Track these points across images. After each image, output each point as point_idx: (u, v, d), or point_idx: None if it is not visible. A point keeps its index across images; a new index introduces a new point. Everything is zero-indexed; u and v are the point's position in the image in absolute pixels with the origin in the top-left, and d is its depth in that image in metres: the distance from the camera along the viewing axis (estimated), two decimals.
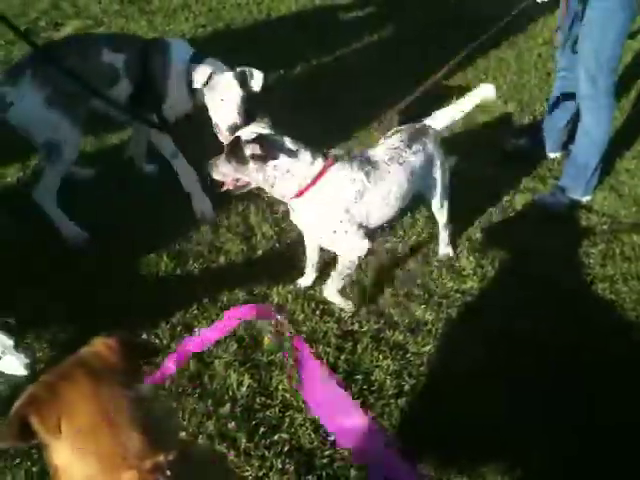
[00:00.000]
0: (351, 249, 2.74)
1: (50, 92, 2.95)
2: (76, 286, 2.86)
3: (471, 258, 3.23)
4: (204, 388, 2.50)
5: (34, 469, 2.19)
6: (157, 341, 2.67)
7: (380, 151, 2.81)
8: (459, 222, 3.46)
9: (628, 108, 4.94)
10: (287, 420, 2.40)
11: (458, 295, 3.04)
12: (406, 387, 2.56)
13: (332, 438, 2.31)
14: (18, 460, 2.22)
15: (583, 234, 3.52)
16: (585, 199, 3.77)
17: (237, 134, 2.60)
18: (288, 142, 2.58)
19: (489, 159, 4.05)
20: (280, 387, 2.52)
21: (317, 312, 2.88)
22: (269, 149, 2.51)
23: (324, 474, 2.24)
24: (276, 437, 2.33)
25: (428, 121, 3.00)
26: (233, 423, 2.36)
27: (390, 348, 2.73)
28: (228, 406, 2.42)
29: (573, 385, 2.62)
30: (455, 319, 2.91)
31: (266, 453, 2.27)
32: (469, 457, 2.34)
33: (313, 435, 2.34)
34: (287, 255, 3.19)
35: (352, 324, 2.84)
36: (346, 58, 5.33)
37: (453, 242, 3.29)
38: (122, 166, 3.73)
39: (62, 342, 2.66)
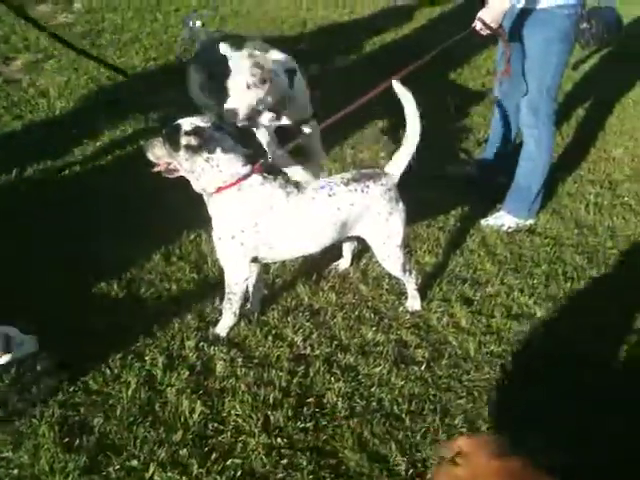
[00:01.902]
0: (234, 271, 2.76)
1: None
2: (25, 315, 2.82)
3: (419, 281, 3.29)
4: (155, 416, 2.49)
5: None
6: (108, 370, 2.64)
7: (315, 182, 2.84)
8: (408, 245, 3.54)
9: (570, 134, 5.15)
10: (240, 445, 2.40)
11: (408, 317, 3.10)
12: (357, 408, 2.59)
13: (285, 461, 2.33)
14: None
15: (527, 255, 3.63)
16: (529, 222, 3.90)
17: (177, 122, 2.63)
18: (227, 140, 2.64)
19: (436, 185, 4.16)
20: (233, 412, 2.52)
21: (269, 337, 2.89)
22: (205, 142, 2.56)
23: None
24: (229, 462, 2.32)
25: (387, 168, 2.90)
26: (185, 450, 2.35)
27: (342, 370, 2.76)
28: (180, 433, 2.41)
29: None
30: (405, 340, 2.96)
31: (218, 478, 2.27)
32: (418, 475, 2.37)
33: (265, 459, 2.34)
34: None
35: (304, 348, 2.87)
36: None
37: (422, 294, 3.21)
38: (77, 192, 3.72)
39: None
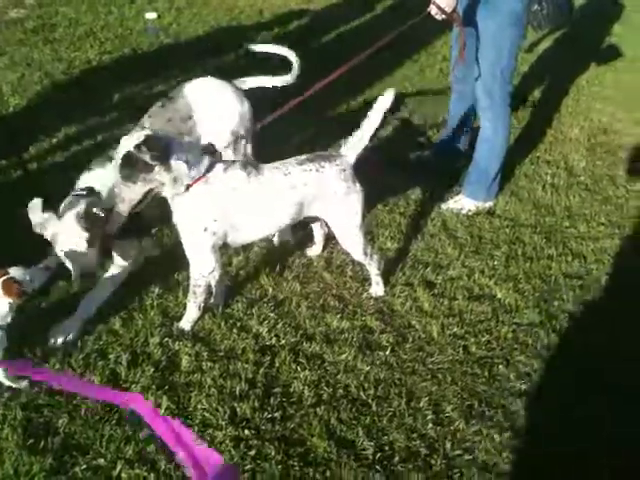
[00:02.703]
0: (201, 263, 2.77)
1: None
2: None
3: (382, 266, 3.31)
4: (121, 414, 2.48)
5: None
6: (71, 370, 2.62)
7: (271, 164, 2.85)
8: (370, 231, 3.57)
9: (525, 116, 5.22)
10: (207, 438, 2.40)
11: (372, 302, 3.12)
12: (324, 396, 2.61)
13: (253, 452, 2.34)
14: None
15: (487, 237, 3.68)
16: (488, 204, 3.95)
17: (122, 152, 2.55)
18: (174, 141, 2.64)
19: (396, 171, 4.18)
20: (199, 407, 2.51)
21: (234, 329, 2.89)
22: (166, 146, 2.54)
23: None
24: None
25: (343, 150, 2.92)
26: (152, 446, 2.34)
27: (307, 359, 2.77)
28: (146, 429, 2.40)
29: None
30: (370, 326, 2.99)
31: (187, 473, 2.27)
32: (384, 458, 2.40)
33: (234, 451, 2.35)
34: None
35: (270, 339, 2.88)
36: None
37: (385, 280, 3.23)
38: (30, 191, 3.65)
39: None
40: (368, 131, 2.91)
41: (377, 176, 2.98)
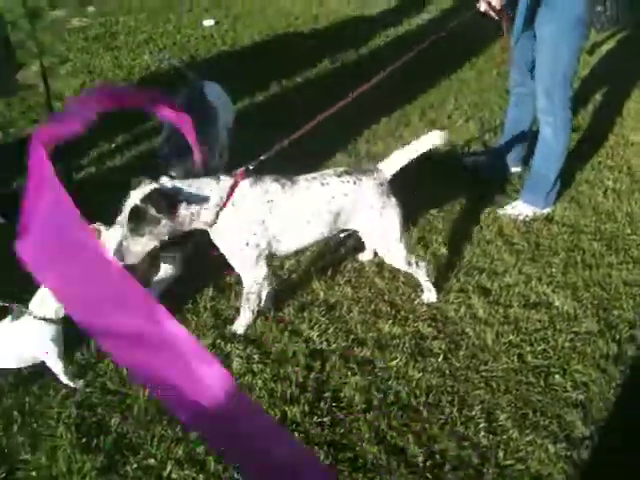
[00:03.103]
0: (252, 273, 2.78)
1: None
2: None
3: (436, 273, 3.27)
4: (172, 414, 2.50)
5: None
6: (124, 370, 2.66)
7: (307, 174, 2.83)
8: (424, 237, 3.54)
9: (587, 120, 5.07)
10: None
11: (424, 309, 3.07)
12: (375, 402, 2.58)
13: None
14: None
15: (545, 244, 3.58)
16: (546, 210, 3.85)
17: (129, 206, 2.56)
18: (180, 182, 2.63)
19: (452, 175, 4.13)
20: None
21: (285, 333, 2.89)
22: (173, 197, 2.55)
23: None
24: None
25: (381, 165, 2.93)
26: (202, 447, 2.35)
27: (358, 364, 2.74)
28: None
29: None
30: (422, 332, 2.94)
31: (236, 475, 2.27)
32: (435, 466, 2.35)
33: None
34: None
35: (320, 343, 2.86)
36: (307, 88, 5.40)
37: (438, 286, 3.19)
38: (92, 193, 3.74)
39: None
40: (408, 156, 2.91)
41: None
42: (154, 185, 2.59)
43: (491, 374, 2.75)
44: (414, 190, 3.87)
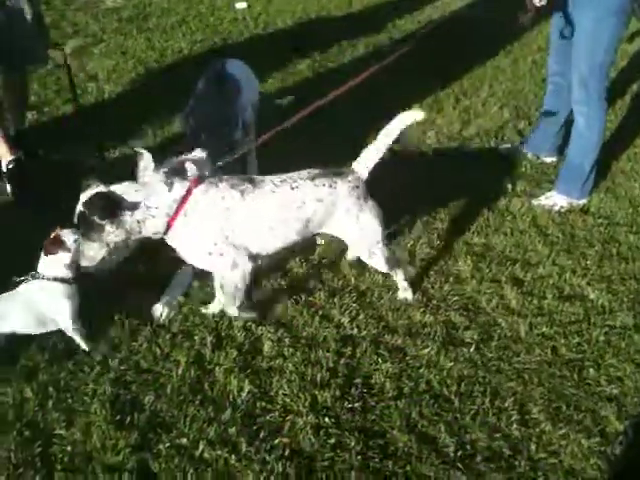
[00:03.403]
0: (231, 269, 2.67)
1: None
2: None
3: (469, 262, 3.25)
4: (204, 395, 2.52)
5: (37, 477, 2.21)
6: (158, 349, 2.68)
7: (275, 176, 2.70)
8: (457, 225, 3.50)
9: (624, 110, 4.98)
10: (288, 424, 2.40)
11: (456, 298, 3.05)
12: (405, 389, 2.57)
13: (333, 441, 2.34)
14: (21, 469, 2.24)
15: (580, 236, 3.53)
16: (581, 201, 3.79)
17: (77, 211, 2.53)
18: (129, 184, 2.54)
19: (486, 164, 4.09)
20: (280, 392, 2.52)
21: (316, 318, 2.89)
22: (115, 203, 2.47)
23: (324, 477, 2.24)
24: (277, 441, 2.34)
25: (355, 165, 2.79)
26: (234, 428, 2.37)
27: (389, 351, 2.74)
28: (229, 412, 2.43)
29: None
30: (454, 321, 2.92)
31: (267, 457, 2.28)
32: (466, 457, 2.35)
33: (314, 439, 2.35)
34: (286, 260, 3.21)
35: (351, 329, 2.86)
36: (340, 72, 5.36)
37: (471, 275, 3.19)
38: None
39: None
40: (383, 146, 2.79)
41: None
42: (99, 189, 2.51)
43: (524, 366, 2.72)
44: (447, 177, 3.88)
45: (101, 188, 2.52)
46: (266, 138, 2.99)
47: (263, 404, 2.48)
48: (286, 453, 2.30)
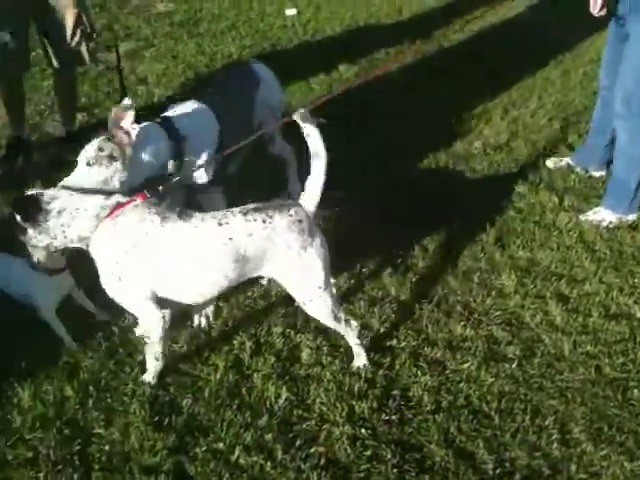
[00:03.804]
0: (139, 311, 2.47)
1: None
2: None
3: (513, 276, 3.19)
4: (242, 400, 2.53)
5: (75, 475, 2.25)
6: (197, 352, 2.70)
7: (211, 212, 2.46)
8: (501, 238, 3.45)
9: None
10: (324, 433, 2.40)
11: (499, 313, 3.00)
12: (444, 403, 2.54)
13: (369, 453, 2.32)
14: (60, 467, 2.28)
15: (628, 253, 3.44)
16: (630, 217, 3.70)
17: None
18: (65, 192, 2.42)
19: (533, 177, 4.02)
20: (317, 401, 2.52)
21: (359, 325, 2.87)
22: (34, 205, 2.35)
23: None
24: (312, 450, 2.33)
25: (302, 199, 2.47)
26: (270, 435, 2.37)
27: (428, 364, 2.71)
28: (265, 418, 2.43)
29: None
30: (496, 336, 2.88)
31: (302, 465, 2.27)
32: (504, 474, 2.30)
33: (350, 449, 2.33)
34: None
35: (390, 340, 2.84)
36: (386, 81, 5.34)
37: (515, 290, 3.13)
38: None
39: None
40: (322, 176, 2.46)
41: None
42: (32, 191, 2.41)
43: (566, 384, 2.67)
44: (493, 189, 3.84)
45: (35, 190, 2.43)
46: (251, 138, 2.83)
47: (300, 412, 2.48)
48: (322, 462, 2.29)
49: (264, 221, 2.36)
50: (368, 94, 4.84)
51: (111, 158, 2.59)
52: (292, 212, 2.40)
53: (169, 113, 2.95)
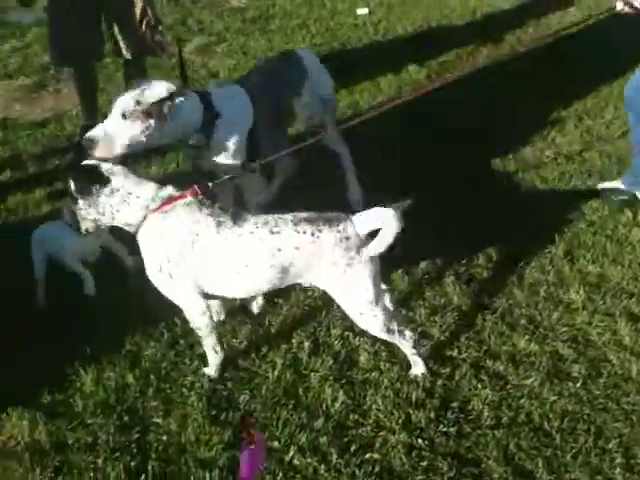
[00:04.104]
0: (185, 303, 2.50)
1: None
2: None
3: (581, 292, 3.08)
4: (298, 400, 2.52)
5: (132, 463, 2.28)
6: (256, 349, 2.71)
7: (263, 216, 2.44)
8: (571, 252, 3.36)
9: None
10: (379, 440, 2.37)
11: (565, 329, 2.91)
12: (504, 419, 2.48)
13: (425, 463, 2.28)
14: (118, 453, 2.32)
15: None
16: None
17: None
18: (122, 171, 2.44)
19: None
20: (374, 407, 2.49)
21: (416, 335, 2.83)
22: (93, 179, 2.39)
23: None
24: (367, 456, 2.31)
25: (355, 218, 2.41)
26: (325, 438, 2.36)
27: (489, 377, 2.64)
28: (321, 420, 2.43)
29: None
30: (561, 353, 2.79)
31: (357, 471, 2.26)
32: None
33: (405, 458, 2.30)
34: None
35: (451, 350, 2.78)
36: (457, 84, 5.24)
37: (583, 305, 3.01)
38: None
39: None
40: (378, 223, 2.37)
41: None
42: (88, 162, 2.49)
43: (632, 407, 2.56)
44: (563, 200, 3.72)
45: (95, 162, 2.49)
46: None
47: (356, 417, 2.46)
48: (376, 470, 2.27)
49: (312, 234, 2.35)
50: (437, 95, 4.77)
51: (147, 115, 2.60)
52: (341, 228, 2.37)
53: (209, 89, 2.98)
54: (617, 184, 3.86)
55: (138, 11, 3.83)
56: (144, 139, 2.65)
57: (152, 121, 2.61)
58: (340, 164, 3.65)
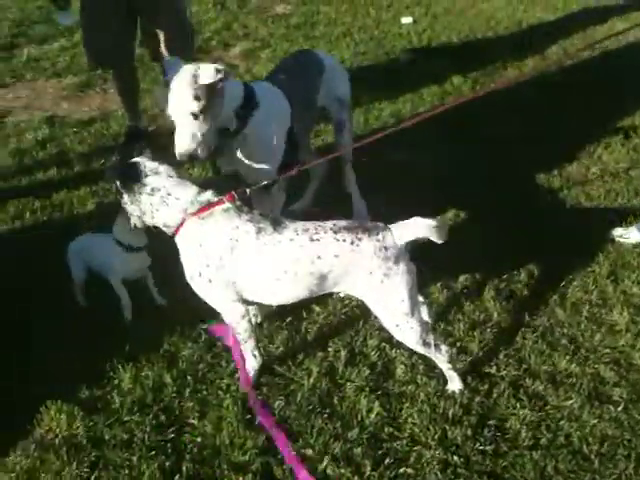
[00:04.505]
0: (224, 308, 2.50)
1: None
2: None
3: (625, 313, 3.02)
4: (333, 409, 2.51)
5: (167, 463, 2.29)
6: (292, 356, 2.70)
7: (302, 223, 2.44)
8: (615, 272, 3.29)
9: None
10: (414, 455, 2.34)
11: (607, 350, 2.84)
12: (542, 440, 2.43)
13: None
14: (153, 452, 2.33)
15: None
16: None
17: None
18: (165, 170, 2.47)
19: None
20: (410, 420, 2.47)
21: (453, 350, 2.79)
22: (136, 175, 2.42)
23: None
24: (402, 470, 2.28)
25: (394, 227, 2.39)
26: (359, 449, 2.34)
27: (528, 397, 2.59)
28: (356, 431, 2.41)
29: None
30: (603, 375, 2.73)
31: None
32: None
33: (440, 475, 2.27)
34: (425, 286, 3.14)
35: (489, 367, 2.74)
36: (500, 95, 5.20)
37: (627, 328, 2.94)
38: None
39: None
40: (424, 231, 2.37)
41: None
42: (137, 159, 2.51)
43: None
44: (607, 218, 3.65)
45: (140, 159, 2.52)
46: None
47: (391, 429, 2.44)
48: None
49: (352, 242, 2.34)
50: (481, 107, 4.73)
51: (210, 96, 2.59)
52: (380, 237, 2.35)
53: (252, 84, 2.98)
54: (634, 230, 3.76)
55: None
56: (218, 122, 2.69)
57: (217, 99, 2.63)
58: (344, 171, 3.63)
